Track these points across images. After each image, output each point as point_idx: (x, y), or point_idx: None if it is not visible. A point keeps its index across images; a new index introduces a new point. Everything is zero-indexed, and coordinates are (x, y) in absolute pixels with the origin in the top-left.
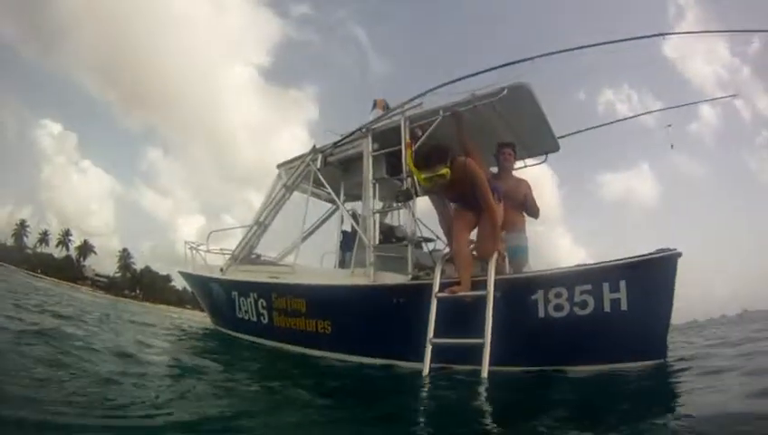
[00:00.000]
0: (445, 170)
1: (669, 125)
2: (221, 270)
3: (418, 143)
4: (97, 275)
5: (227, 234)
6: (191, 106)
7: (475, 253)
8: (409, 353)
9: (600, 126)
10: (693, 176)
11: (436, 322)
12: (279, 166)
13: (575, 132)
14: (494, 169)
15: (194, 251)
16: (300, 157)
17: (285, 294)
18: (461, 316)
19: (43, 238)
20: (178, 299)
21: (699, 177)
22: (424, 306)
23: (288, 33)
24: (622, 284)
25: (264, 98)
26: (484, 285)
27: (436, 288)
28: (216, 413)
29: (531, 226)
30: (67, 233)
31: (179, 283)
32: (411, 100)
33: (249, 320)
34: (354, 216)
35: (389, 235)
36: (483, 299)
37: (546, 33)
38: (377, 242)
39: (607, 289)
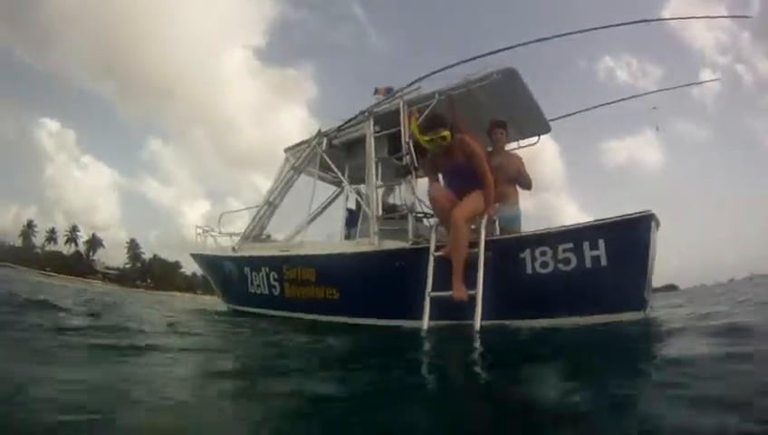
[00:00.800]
0: (446, 132)
1: (655, 107)
2: (233, 249)
3: (418, 122)
4: (107, 268)
5: (237, 216)
6: (188, 93)
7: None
8: (411, 313)
9: (591, 108)
10: (699, 141)
11: (434, 279)
12: (286, 150)
13: (566, 115)
14: (489, 149)
15: (205, 234)
16: (306, 141)
17: (296, 265)
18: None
19: (51, 236)
20: (188, 285)
21: (707, 142)
22: (423, 268)
23: (283, 12)
24: (601, 242)
25: (262, 80)
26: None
27: (432, 248)
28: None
29: (538, 194)
30: (74, 229)
31: (189, 268)
32: (409, 85)
33: (261, 293)
34: (359, 194)
35: (392, 211)
36: (476, 257)
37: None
38: (380, 215)
39: (587, 247)
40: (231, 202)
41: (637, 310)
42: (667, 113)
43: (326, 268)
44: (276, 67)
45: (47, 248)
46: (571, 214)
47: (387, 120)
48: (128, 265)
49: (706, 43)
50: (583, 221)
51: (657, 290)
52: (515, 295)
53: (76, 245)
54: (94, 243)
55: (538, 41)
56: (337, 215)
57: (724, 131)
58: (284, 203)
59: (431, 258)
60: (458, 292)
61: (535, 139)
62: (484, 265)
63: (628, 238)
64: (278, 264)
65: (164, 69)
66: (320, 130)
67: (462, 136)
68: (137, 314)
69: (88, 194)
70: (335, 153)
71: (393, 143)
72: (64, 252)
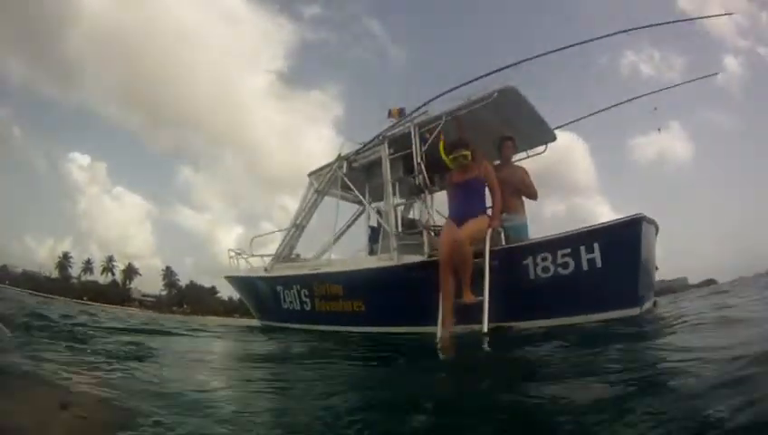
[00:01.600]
0: (466, 152)
1: (655, 108)
2: (265, 270)
3: (428, 144)
4: (144, 295)
5: (268, 239)
6: (216, 121)
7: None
8: (428, 320)
9: (597, 112)
10: (726, 130)
11: None
12: (309, 174)
13: (571, 122)
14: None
15: (237, 257)
16: (328, 165)
17: (325, 281)
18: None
19: (87, 267)
20: (225, 310)
21: (734, 130)
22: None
23: (303, 35)
24: (596, 246)
25: (286, 103)
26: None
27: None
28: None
29: (569, 198)
30: (110, 259)
31: (225, 293)
32: (417, 109)
33: (294, 309)
34: (379, 212)
35: (411, 226)
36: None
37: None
38: (400, 231)
39: (584, 251)
40: (264, 225)
41: (632, 307)
42: (695, 102)
43: (352, 283)
44: (300, 89)
45: (83, 278)
46: (605, 215)
47: (400, 143)
48: (163, 292)
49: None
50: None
51: (697, 286)
52: (520, 299)
53: (113, 274)
54: (130, 272)
55: (538, 56)
56: (359, 231)
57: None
58: (310, 222)
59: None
60: (468, 298)
61: (542, 147)
62: (491, 271)
63: (621, 241)
64: (308, 282)
65: (189, 99)
66: (339, 155)
67: (486, 164)
68: None
69: (121, 224)
70: (355, 175)
71: (408, 163)
72: (100, 281)
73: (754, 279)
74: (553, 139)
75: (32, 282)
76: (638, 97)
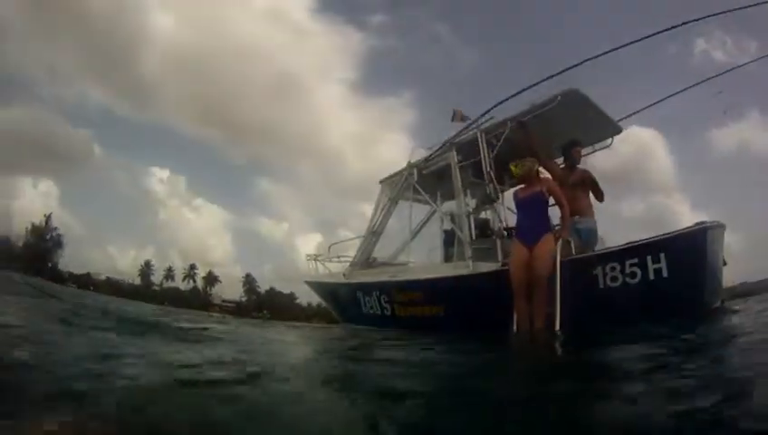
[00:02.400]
0: (531, 161)
1: (720, 91)
2: (343, 275)
3: (495, 150)
4: (224, 301)
5: (345, 246)
6: (292, 132)
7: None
8: (503, 324)
9: (661, 100)
10: None
11: None
12: (381, 181)
13: (633, 113)
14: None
15: (315, 261)
16: (398, 172)
17: (404, 289)
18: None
19: (169, 274)
20: (305, 315)
21: None
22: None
23: (371, 44)
24: (662, 255)
25: (360, 111)
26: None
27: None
28: None
29: (649, 198)
30: (192, 267)
31: (304, 299)
32: (483, 115)
33: (374, 314)
34: (452, 216)
35: (485, 228)
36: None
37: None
38: (473, 238)
39: (650, 261)
40: (342, 232)
41: (695, 316)
42: None
43: (431, 290)
44: (372, 97)
45: (165, 285)
46: (684, 215)
47: (468, 150)
48: (243, 298)
49: None
50: (646, 237)
51: None
52: (590, 307)
53: (194, 281)
54: (211, 279)
55: (587, 60)
56: (429, 232)
57: None
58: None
59: None
60: (539, 325)
61: (609, 141)
62: (563, 280)
63: (686, 251)
64: (388, 288)
65: (264, 111)
66: (409, 162)
67: (550, 180)
68: None
69: (201, 234)
70: (426, 180)
71: (477, 168)
72: (182, 288)
73: None
74: (619, 131)
75: (115, 287)
76: (707, 79)
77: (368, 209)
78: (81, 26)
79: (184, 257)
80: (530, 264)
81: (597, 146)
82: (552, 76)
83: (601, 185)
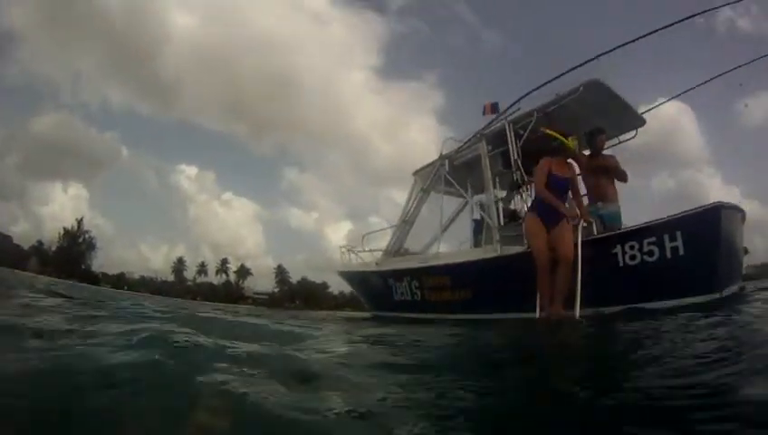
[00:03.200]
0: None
1: (741, 84)
2: (376, 264)
3: (523, 139)
4: (256, 293)
5: (377, 234)
6: (318, 121)
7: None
8: (529, 305)
9: (687, 91)
10: None
11: None
12: (414, 173)
13: (656, 105)
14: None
15: (349, 252)
16: (430, 164)
17: (434, 274)
18: None
19: (202, 269)
20: (336, 304)
21: None
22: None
23: (392, 28)
24: (678, 234)
25: (386, 96)
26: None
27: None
28: None
29: (678, 173)
30: (224, 261)
31: (335, 288)
32: (510, 106)
33: (405, 300)
34: (481, 205)
35: (512, 216)
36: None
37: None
38: (501, 224)
39: (667, 239)
40: (372, 219)
41: (712, 292)
42: None
43: (460, 274)
44: (397, 81)
45: (198, 280)
46: (715, 189)
47: (497, 140)
48: (276, 290)
49: None
50: (667, 215)
51: None
52: (610, 285)
53: (227, 275)
54: (243, 272)
55: (609, 51)
56: (461, 223)
57: None
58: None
59: None
60: (556, 310)
61: (633, 132)
62: (583, 261)
63: (700, 229)
64: (419, 274)
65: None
66: (441, 153)
67: (575, 168)
68: None
69: (232, 227)
70: (457, 171)
71: (506, 158)
72: (214, 282)
73: None
74: (642, 123)
75: (149, 285)
76: (719, 75)
77: (398, 195)
78: (101, 30)
79: (216, 251)
80: (551, 245)
81: (622, 137)
82: (582, 65)
83: (631, 165)
